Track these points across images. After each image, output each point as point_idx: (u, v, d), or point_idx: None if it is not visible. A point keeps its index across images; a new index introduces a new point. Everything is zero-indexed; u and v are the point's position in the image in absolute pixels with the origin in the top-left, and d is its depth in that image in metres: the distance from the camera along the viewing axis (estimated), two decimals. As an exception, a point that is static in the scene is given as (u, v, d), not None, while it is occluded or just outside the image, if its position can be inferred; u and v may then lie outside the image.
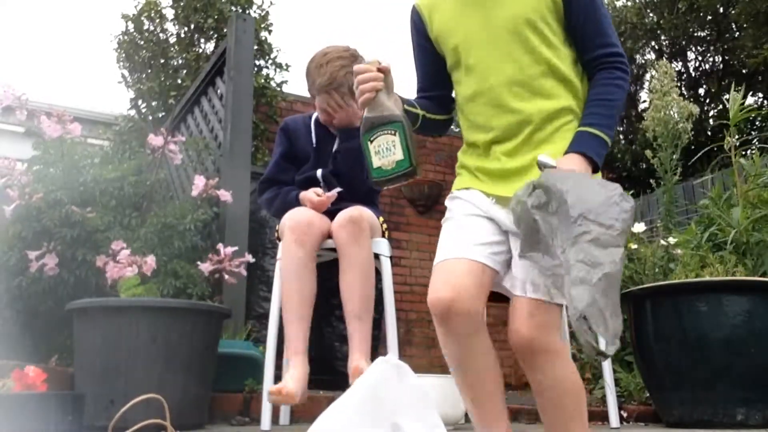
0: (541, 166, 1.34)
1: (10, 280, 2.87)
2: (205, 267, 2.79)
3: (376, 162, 1.37)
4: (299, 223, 2.22)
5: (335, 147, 2.48)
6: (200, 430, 2.44)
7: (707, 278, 2.55)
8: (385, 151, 1.36)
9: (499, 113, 1.45)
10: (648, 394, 2.86)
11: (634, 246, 3.16)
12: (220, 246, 2.87)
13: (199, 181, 3.03)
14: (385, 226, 2.47)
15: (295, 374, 2.11)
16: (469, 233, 1.43)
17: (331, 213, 2.31)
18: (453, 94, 1.61)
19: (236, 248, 2.86)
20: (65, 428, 1.94)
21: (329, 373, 3.02)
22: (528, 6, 1.44)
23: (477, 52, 1.48)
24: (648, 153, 3.94)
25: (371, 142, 1.37)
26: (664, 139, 3.76)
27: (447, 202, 1.54)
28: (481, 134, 1.48)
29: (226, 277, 2.85)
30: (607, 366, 2.59)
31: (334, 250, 2.30)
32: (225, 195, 3.04)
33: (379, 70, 1.39)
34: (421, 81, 1.65)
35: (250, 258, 2.92)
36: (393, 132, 1.36)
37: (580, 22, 1.45)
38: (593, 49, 1.46)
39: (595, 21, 1.45)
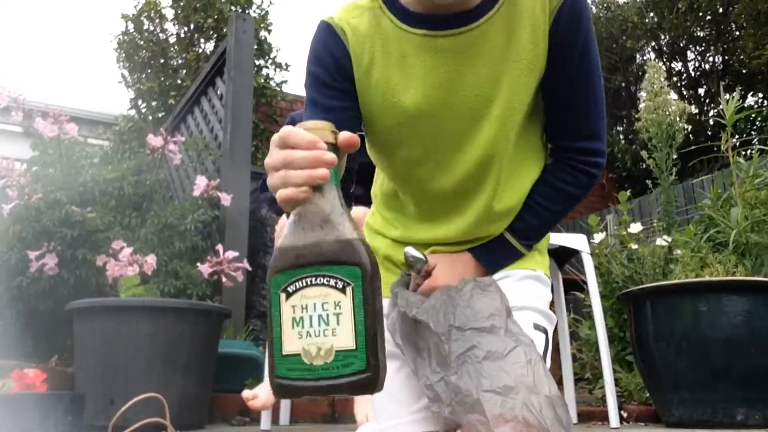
0: (409, 261, 1.13)
1: (10, 280, 2.87)
2: (204, 269, 2.78)
3: (288, 341, 0.67)
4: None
5: None
6: (200, 430, 2.44)
7: (707, 278, 2.55)
8: (316, 324, 0.66)
9: None
10: (648, 394, 2.86)
11: (633, 246, 3.16)
12: (219, 247, 2.87)
13: (201, 182, 3.03)
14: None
15: None
16: None
17: None
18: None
19: (237, 254, 2.84)
20: (65, 428, 1.94)
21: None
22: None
23: None
24: (644, 154, 3.94)
25: (287, 293, 0.68)
26: (658, 139, 3.76)
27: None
28: None
29: (224, 279, 2.84)
30: (607, 366, 2.59)
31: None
32: (226, 198, 3.05)
33: (332, 144, 0.73)
34: None
35: (247, 266, 2.90)
36: (340, 285, 0.66)
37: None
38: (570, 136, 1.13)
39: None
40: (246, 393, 2.09)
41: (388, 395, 1.12)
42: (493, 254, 1.17)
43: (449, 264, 1.16)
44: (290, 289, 0.68)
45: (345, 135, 0.73)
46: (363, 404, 2.10)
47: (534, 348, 0.97)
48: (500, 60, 1.04)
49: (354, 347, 0.65)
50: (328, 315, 0.66)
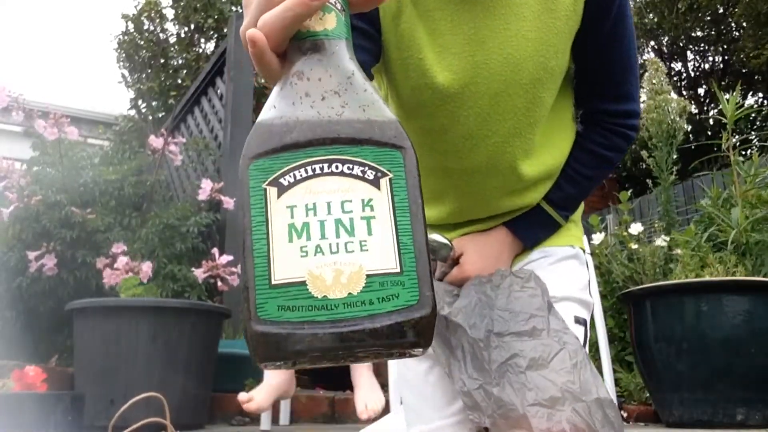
0: (432, 247, 1.00)
1: (10, 280, 2.87)
2: (199, 273, 2.78)
3: (282, 262, 0.39)
4: None
5: None
6: (200, 430, 2.44)
7: (707, 278, 2.55)
8: (333, 233, 0.39)
9: None
10: (648, 394, 2.86)
11: (634, 246, 3.16)
12: (215, 251, 2.86)
13: (206, 185, 3.03)
14: None
15: (271, 382, 2.13)
16: None
17: None
18: None
19: (231, 258, 2.84)
20: (65, 428, 1.94)
21: (331, 369, 3.02)
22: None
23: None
24: (644, 153, 3.94)
25: (280, 188, 0.40)
26: (658, 138, 3.76)
27: None
28: None
29: (219, 283, 2.83)
30: (607, 366, 2.59)
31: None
32: (229, 202, 3.05)
33: None
34: None
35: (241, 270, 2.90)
36: (372, 176, 0.40)
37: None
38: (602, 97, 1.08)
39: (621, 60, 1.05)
40: (242, 396, 2.09)
41: (420, 397, 1.07)
42: (529, 226, 1.08)
43: (480, 246, 1.06)
44: (284, 180, 0.40)
45: None
46: (363, 392, 2.10)
47: (579, 346, 0.90)
48: (535, 14, 0.94)
49: (398, 269, 0.39)
50: (352, 220, 0.39)
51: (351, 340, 0.38)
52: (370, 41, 0.95)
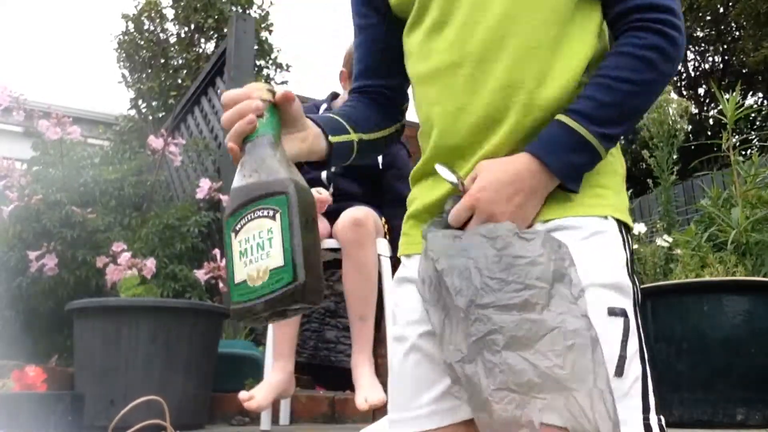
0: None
1: (10, 280, 2.87)
2: (201, 274, 2.77)
3: (238, 271, 0.75)
4: None
5: None
6: (200, 430, 2.44)
7: (707, 278, 2.55)
8: (255, 251, 0.74)
9: None
10: (648, 394, 2.86)
11: (634, 246, 3.16)
12: (216, 252, 2.86)
13: (204, 184, 3.03)
14: (387, 226, 2.47)
15: (271, 381, 2.13)
16: None
17: (335, 212, 2.30)
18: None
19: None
20: (65, 428, 1.94)
21: (331, 370, 3.02)
22: None
23: None
24: (645, 153, 3.94)
25: (235, 232, 0.76)
26: (660, 138, 3.76)
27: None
28: None
29: (221, 285, 2.83)
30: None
31: (333, 250, 2.30)
32: (227, 201, 3.05)
33: (269, 101, 0.81)
34: (361, 62, 1.11)
35: None
36: (271, 214, 0.74)
37: None
38: None
39: None
40: (242, 394, 2.10)
41: (397, 384, 0.98)
42: (554, 146, 0.85)
43: (495, 171, 0.87)
44: (237, 227, 0.76)
45: (281, 91, 0.82)
46: (364, 390, 2.10)
47: (587, 330, 0.76)
48: None
49: (283, 264, 0.72)
50: (263, 241, 0.74)
51: (267, 305, 0.73)
52: (369, 18, 1.07)
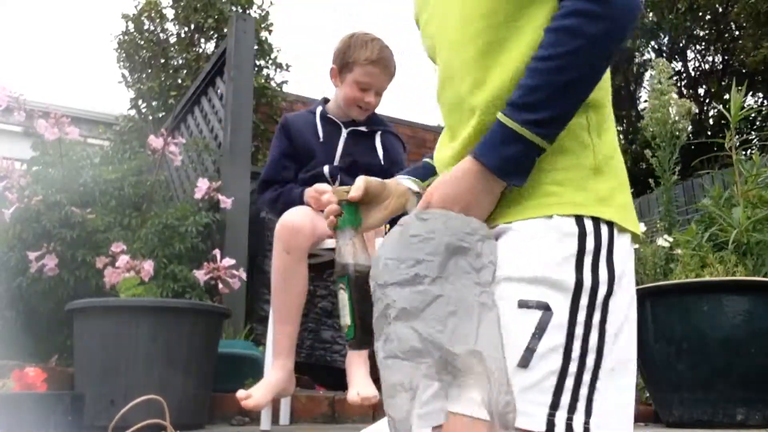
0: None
1: (10, 280, 2.87)
2: (200, 274, 2.77)
3: (342, 317, 1.01)
4: (284, 228, 2.17)
5: (343, 137, 2.41)
6: (200, 430, 2.44)
7: (707, 278, 2.55)
8: (341, 309, 1.01)
9: None
10: (648, 394, 2.86)
11: (634, 246, 3.16)
12: (216, 252, 2.85)
13: (202, 184, 3.02)
14: (387, 226, 2.46)
15: (270, 380, 2.13)
16: None
17: None
18: None
19: (233, 261, 2.83)
20: (65, 428, 1.94)
21: (326, 370, 3.02)
22: None
23: None
24: (647, 153, 3.94)
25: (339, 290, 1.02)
26: (662, 138, 3.76)
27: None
28: None
29: (221, 285, 2.82)
30: (607, 366, 2.59)
31: (331, 250, 2.29)
32: (226, 202, 3.04)
33: (340, 202, 0.99)
34: None
35: (242, 274, 2.88)
36: (343, 287, 0.99)
37: None
38: None
39: None
40: (240, 393, 2.10)
41: None
42: (486, 142, 0.86)
43: (441, 180, 0.92)
44: (337, 286, 1.02)
45: (353, 191, 0.99)
46: (356, 386, 2.12)
47: (477, 296, 0.80)
48: None
49: (349, 323, 0.98)
50: (343, 304, 1.00)
51: (349, 346, 1.02)
52: None
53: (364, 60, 2.30)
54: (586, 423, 0.80)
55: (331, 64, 2.41)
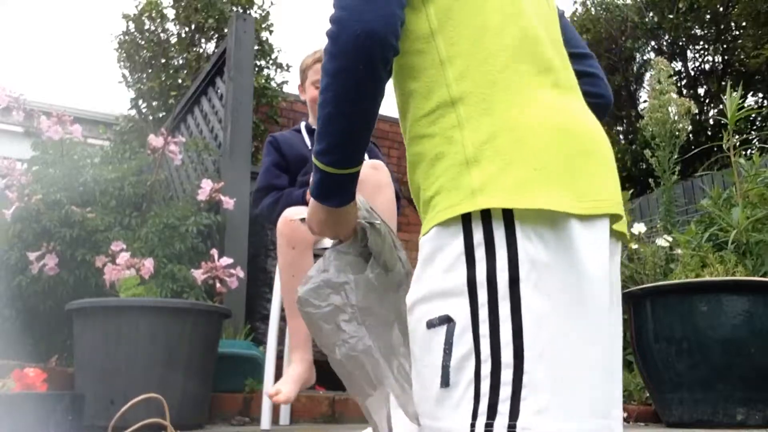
0: None
1: (10, 279, 2.87)
2: (198, 274, 2.76)
3: None
4: (286, 223, 2.18)
5: None
6: (200, 430, 2.44)
7: (707, 278, 2.55)
8: None
9: None
10: (648, 394, 2.86)
11: (634, 246, 3.16)
12: (213, 252, 2.85)
13: (206, 185, 3.02)
14: None
15: (292, 374, 2.14)
16: None
17: None
18: None
19: (230, 260, 2.83)
20: (65, 428, 1.94)
21: (327, 369, 3.02)
22: None
23: None
24: (647, 153, 3.94)
25: None
26: (662, 138, 3.76)
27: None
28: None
29: (218, 285, 2.81)
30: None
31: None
32: (228, 202, 3.04)
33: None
34: None
35: (240, 273, 2.88)
36: None
37: None
38: None
39: None
40: (270, 389, 2.13)
41: None
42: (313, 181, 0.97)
43: (308, 213, 1.06)
44: None
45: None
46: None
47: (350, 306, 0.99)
48: None
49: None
50: None
51: None
52: None
53: (313, 61, 2.54)
54: (512, 425, 0.76)
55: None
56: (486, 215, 0.81)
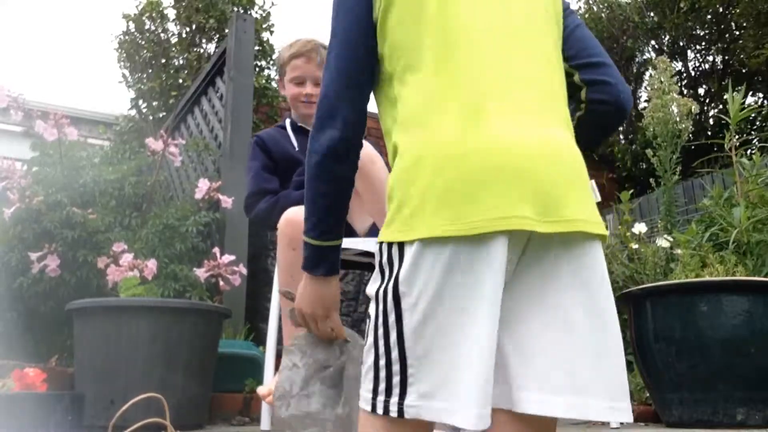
0: None
1: (11, 281, 2.87)
2: (201, 272, 2.77)
3: None
4: (288, 223, 2.16)
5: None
6: (200, 430, 2.44)
7: (707, 278, 2.55)
8: None
9: None
10: (648, 394, 2.86)
11: (634, 246, 3.16)
12: (216, 250, 2.85)
13: (203, 184, 3.02)
14: None
15: None
16: None
17: None
18: None
19: (233, 257, 2.83)
20: (65, 428, 1.94)
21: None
22: None
23: None
24: (648, 152, 3.94)
25: None
26: (663, 138, 3.75)
27: None
28: None
29: (221, 282, 2.82)
30: (607, 366, 2.59)
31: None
32: (227, 201, 3.04)
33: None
34: None
35: (243, 269, 2.88)
36: None
37: None
38: None
39: None
40: (261, 389, 2.10)
41: None
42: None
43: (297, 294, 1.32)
44: None
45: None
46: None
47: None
48: None
49: None
50: None
51: None
52: None
53: (288, 57, 2.44)
54: (400, 404, 0.95)
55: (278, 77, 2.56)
56: (386, 245, 1.02)
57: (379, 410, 0.97)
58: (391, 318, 0.98)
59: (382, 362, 0.98)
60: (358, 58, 1.09)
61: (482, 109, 0.98)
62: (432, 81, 1.02)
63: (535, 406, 0.95)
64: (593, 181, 1.06)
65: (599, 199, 1.06)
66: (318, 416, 1.28)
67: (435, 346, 0.95)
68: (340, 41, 1.10)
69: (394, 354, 0.97)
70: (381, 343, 0.98)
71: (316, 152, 1.09)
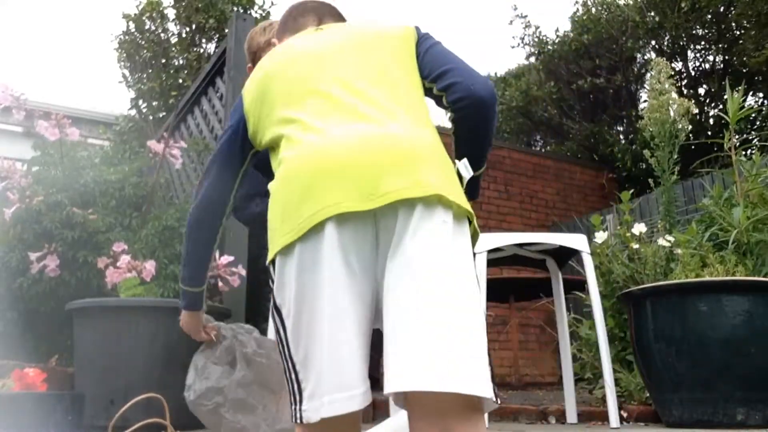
0: None
1: (11, 281, 2.87)
2: None
3: None
4: None
5: None
6: (200, 430, 2.44)
7: (707, 278, 2.55)
8: None
9: None
10: (648, 394, 2.86)
11: (634, 246, 3.16)
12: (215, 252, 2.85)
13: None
14: None
15: None
16: None
17: None
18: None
19: (231, 258, 2.82)
20: (65, 428, 1.94)
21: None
22: None
23: None
24: (646, 153, 3.94)
25: None
26: (661, 138, 3.75)
27: None
28: None
29: (220, 283, 2.82)
30: (607, 366, 2.59)
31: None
32: None
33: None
34: None
35: (242, 271, 2.88)
36: None
37: None
38: None
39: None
40: None
41: None
42: None
43: None
44: None
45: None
46: None
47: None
48: None
49: None
50: None
51: None
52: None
53: (264, 43, 2.29)
54: (303, 410, 1.02)
55: (248, 63, 2.39)
56: (268, 265, 1.15)
57: (297, 419, 1.04)
58: (281, 331, 1.08)
59: (287, 374, 1.07)
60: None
61: (323, 131, 1.12)
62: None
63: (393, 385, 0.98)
64: (465, 161, 1.20)
65: (470, 174, 1.14)
66: (216, 385, 1.52)
67: (308, 349, 1.03)
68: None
69: (290, 364, 1.06)
70: (283, 356, 1.08)
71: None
